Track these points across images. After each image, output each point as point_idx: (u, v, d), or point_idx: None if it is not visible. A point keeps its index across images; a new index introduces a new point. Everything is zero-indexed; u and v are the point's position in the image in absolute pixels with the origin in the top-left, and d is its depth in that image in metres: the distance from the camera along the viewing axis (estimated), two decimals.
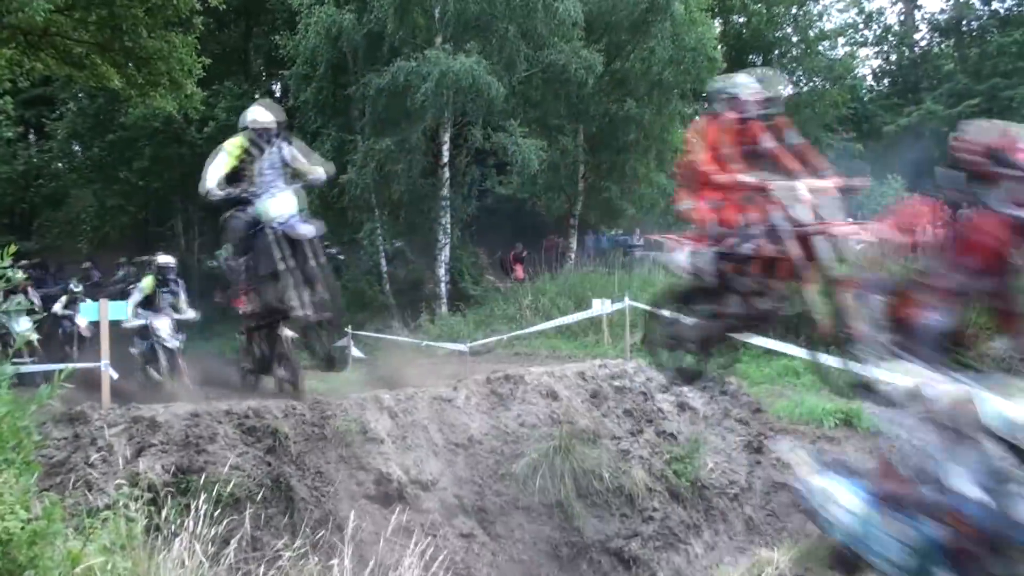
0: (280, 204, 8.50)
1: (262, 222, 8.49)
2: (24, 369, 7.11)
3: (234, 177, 8.71)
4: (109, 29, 14.57)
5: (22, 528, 3.90)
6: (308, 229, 8.54)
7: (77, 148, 26.76)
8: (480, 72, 19.01)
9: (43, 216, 29.58)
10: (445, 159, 21.55)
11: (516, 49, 20.64)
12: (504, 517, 8.01)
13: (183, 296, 12.65)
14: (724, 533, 8.79)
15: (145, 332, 11.96)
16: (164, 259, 12.76)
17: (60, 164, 26.97)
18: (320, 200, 21.46)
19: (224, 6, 15.91)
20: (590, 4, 21.90)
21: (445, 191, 21.52)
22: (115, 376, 8.87)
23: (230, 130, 24.57)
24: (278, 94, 27.96)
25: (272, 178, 8.75)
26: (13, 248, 3.82)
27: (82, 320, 15.88)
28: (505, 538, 7.86)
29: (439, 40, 20.35)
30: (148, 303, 12.10)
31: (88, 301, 15.82)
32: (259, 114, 9.16)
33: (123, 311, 10.27)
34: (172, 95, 15.85)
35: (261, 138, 8.92)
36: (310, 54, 21.23)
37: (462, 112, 20.71)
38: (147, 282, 12.29)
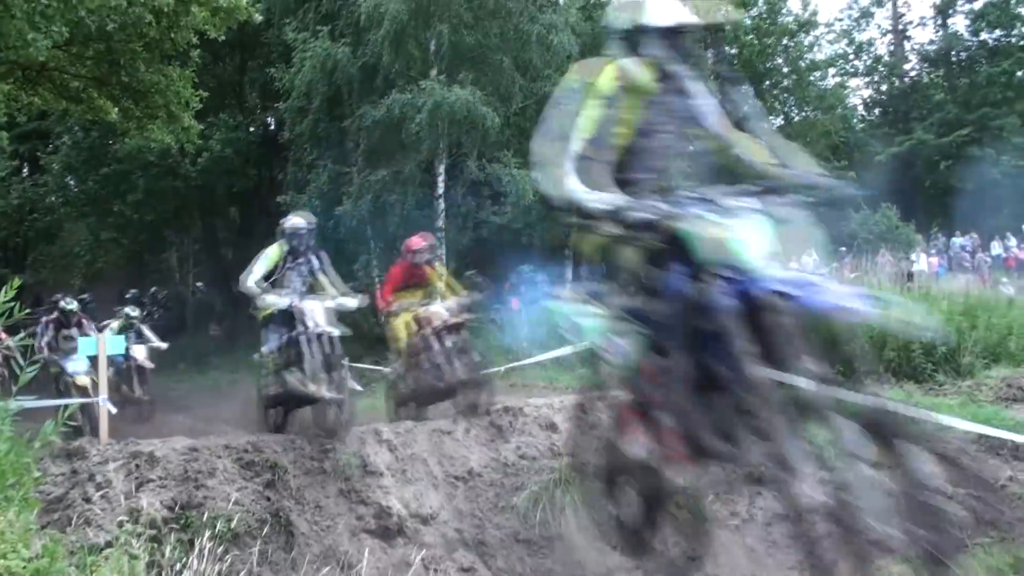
0: (757, 235, 3.61)
1: (706, 270, 3.55)
2: (29, 404, 7.04)
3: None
4: (107, 63, 14.66)
5: (24, 567, 3.86)
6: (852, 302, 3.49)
7: (71, 182, 26.78)
8: (475, 103, 19.11)
9: (38, 250, 29.58)
10: (440, 190, 21.60)
11: (511, 80, 20.78)
12: (505, 551, 7.93)
13: (327, 274, 9.10)
14: (726, 565, 8.71)
15: (287, 320, 8.51)
16: (294, 221, 9.10)
17: (54, 198, 26.99)
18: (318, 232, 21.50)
19: (222, 38, 15.99)
20: (584, 36, 22.07)
21: (440, 222, 21.55)
22: (113, 411, 8.79)
23: (224, 161, 25.04)
24: (272, 127, 28.09)
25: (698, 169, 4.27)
26: (17, 282, 3.80)
27: (140, 350, 14.10)
28: (506, 572, 7.78)
29: (434, 72, 20.47)
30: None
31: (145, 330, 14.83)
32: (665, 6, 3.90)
33: (119, 345, 9.88)
34: (169, 128, 15.92)
35: (676, 54, 4.01)
36: (305, 87, 21.32)
37: (457, 143, 20.80)
38: (274, 250, 8.93)
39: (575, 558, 7.99)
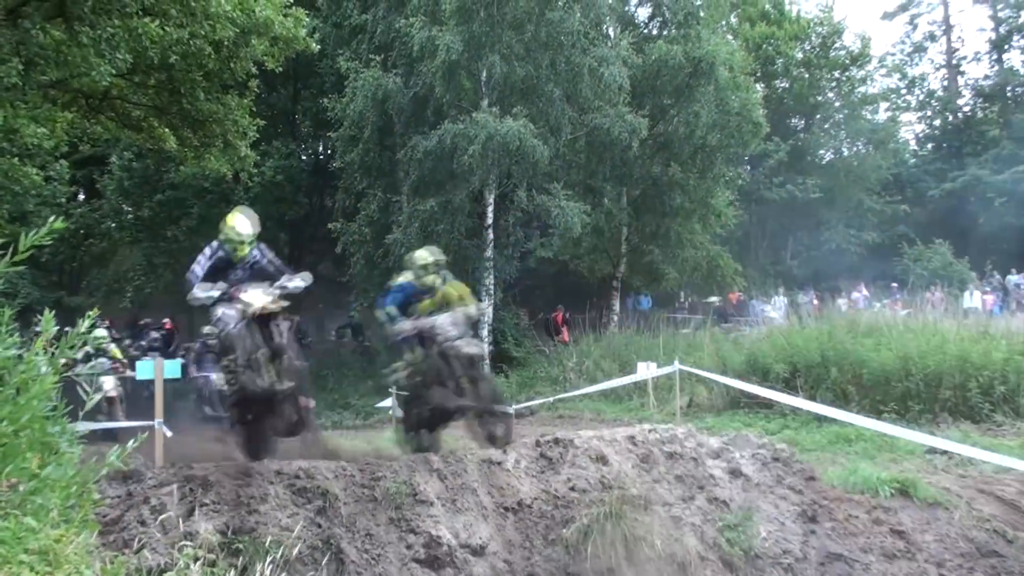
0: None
1: None
2: (96, 426, 7.11)
3: None
4: (167, 92, 14.95)
5: None
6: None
7: (127, 207, 27.22)
8: (526, 135, 19.18)
9: (92, 274, 30.03)
10: (489, 220, 21.69)
11: (562, 112, 20.86)
12: None
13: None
14: None
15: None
16: None
17: (110, 223, 27.43)
18: (365, 260, 21.73)
19: (279, 69, 16.23)
20: (635, 69, 22.12)
21: (489, 252, 21.62)
22: (169, 434, 8.87)
23: (276, 188, 25.35)
24: (323, 155, 28.46)
25: None
26: (95, 312, 3.86)
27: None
28: None
29: (485, 103, 20.59)
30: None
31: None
32: None
33: (176, 370, 9.95)
34: (226, 156, 16.14)
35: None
36: (357, 116, 21.56)
37: (507, 174, 20.88)
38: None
39: None
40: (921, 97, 41.78)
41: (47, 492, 3.86)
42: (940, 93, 41.44)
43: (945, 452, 10.64)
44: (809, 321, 16.64)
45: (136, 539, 6.27)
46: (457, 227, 21.06)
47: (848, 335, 14.57)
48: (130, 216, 27.47)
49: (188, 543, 5.79)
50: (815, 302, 23.48)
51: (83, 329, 3.67)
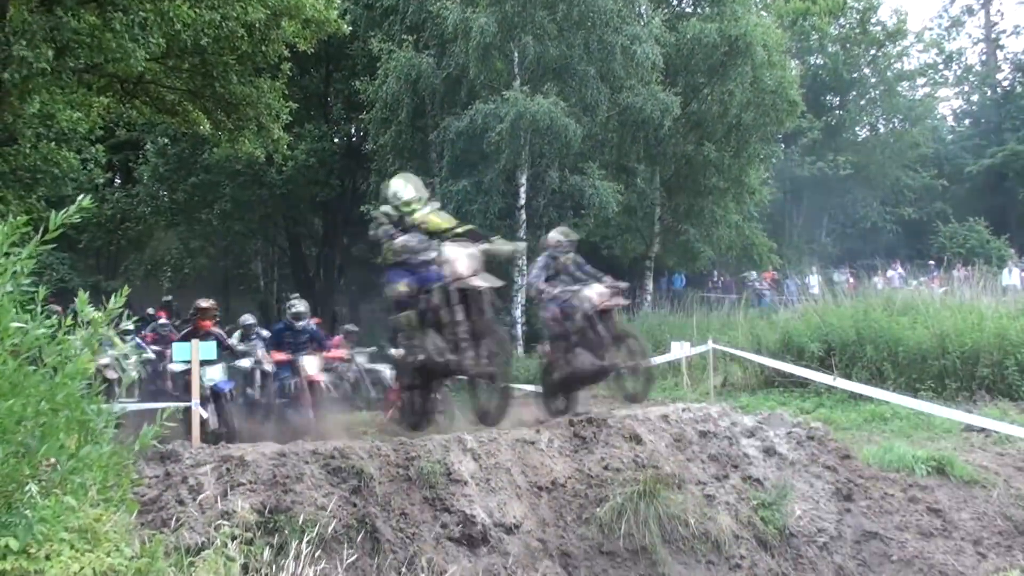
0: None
1: None
2: (131, 407, 7.20)
3: None
4: (200, 76, 15.02)
5: (126, 565, 3.95)
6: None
7: (163, 192, 27.42)
8: (557, 114, 19.10)
9: (129, 258, 30.34)
10: (522, 200, 21.64)
11: (597, 91, 20.74)
12: (588, 562, 7.86)
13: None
14: None
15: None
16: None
17: (146, 208, 27.63)
18: None
19: (311, 51, 16.26)
20: (668, 47, 21.94)
21: (522, 232, 21.59)
22: (205, 415, 8.94)
23: (309, 171, 25.43)
24: (355, 138, 28.51)
25: None
26: (126, 290, 3.89)
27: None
28: None
29: (517, 83, 20.52)
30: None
31: None
32: None
33: (212, 351, 9.93)
34: (260, 139, 16.22)
35: None
36: (390, 98, 21.55)
37: (540, 154, 20.81)
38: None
39: (659, 571, 7.90)
40: (959, 72, 41.16)
41: (85, 471, 3.92)
42: (978, 68, 40.79)
43: (982, 430, 10.55)
44: (844, 299, 16.49)
45: (174, 518, 6.35)
46: (491, 207, 21.02)
47: (884, 313, 14.43)
48: (165, 200, 27.63)
49: (225, 522, 5.86)
50: (850, 280, 23.25)
51: (113, 307, 3.71)
